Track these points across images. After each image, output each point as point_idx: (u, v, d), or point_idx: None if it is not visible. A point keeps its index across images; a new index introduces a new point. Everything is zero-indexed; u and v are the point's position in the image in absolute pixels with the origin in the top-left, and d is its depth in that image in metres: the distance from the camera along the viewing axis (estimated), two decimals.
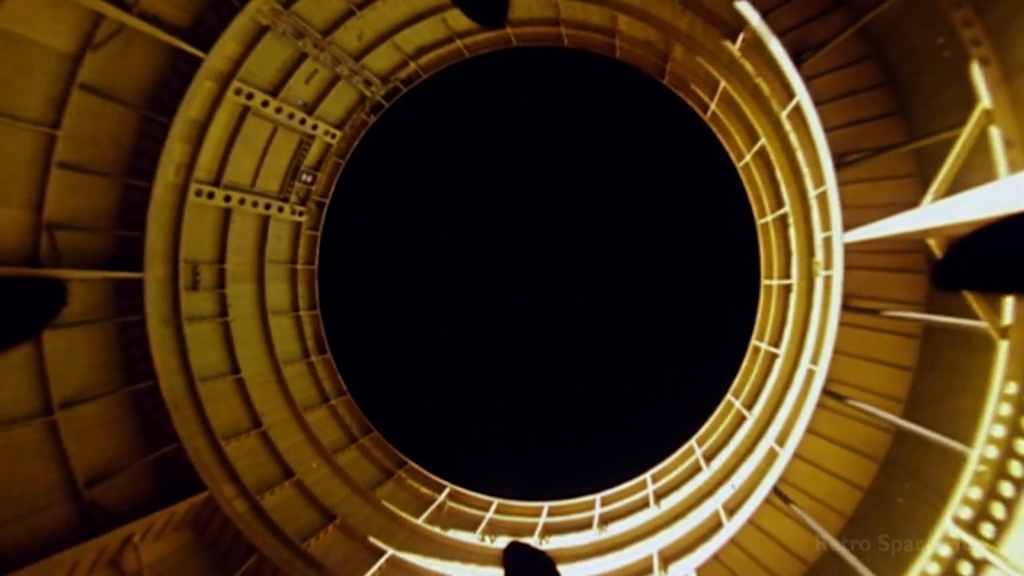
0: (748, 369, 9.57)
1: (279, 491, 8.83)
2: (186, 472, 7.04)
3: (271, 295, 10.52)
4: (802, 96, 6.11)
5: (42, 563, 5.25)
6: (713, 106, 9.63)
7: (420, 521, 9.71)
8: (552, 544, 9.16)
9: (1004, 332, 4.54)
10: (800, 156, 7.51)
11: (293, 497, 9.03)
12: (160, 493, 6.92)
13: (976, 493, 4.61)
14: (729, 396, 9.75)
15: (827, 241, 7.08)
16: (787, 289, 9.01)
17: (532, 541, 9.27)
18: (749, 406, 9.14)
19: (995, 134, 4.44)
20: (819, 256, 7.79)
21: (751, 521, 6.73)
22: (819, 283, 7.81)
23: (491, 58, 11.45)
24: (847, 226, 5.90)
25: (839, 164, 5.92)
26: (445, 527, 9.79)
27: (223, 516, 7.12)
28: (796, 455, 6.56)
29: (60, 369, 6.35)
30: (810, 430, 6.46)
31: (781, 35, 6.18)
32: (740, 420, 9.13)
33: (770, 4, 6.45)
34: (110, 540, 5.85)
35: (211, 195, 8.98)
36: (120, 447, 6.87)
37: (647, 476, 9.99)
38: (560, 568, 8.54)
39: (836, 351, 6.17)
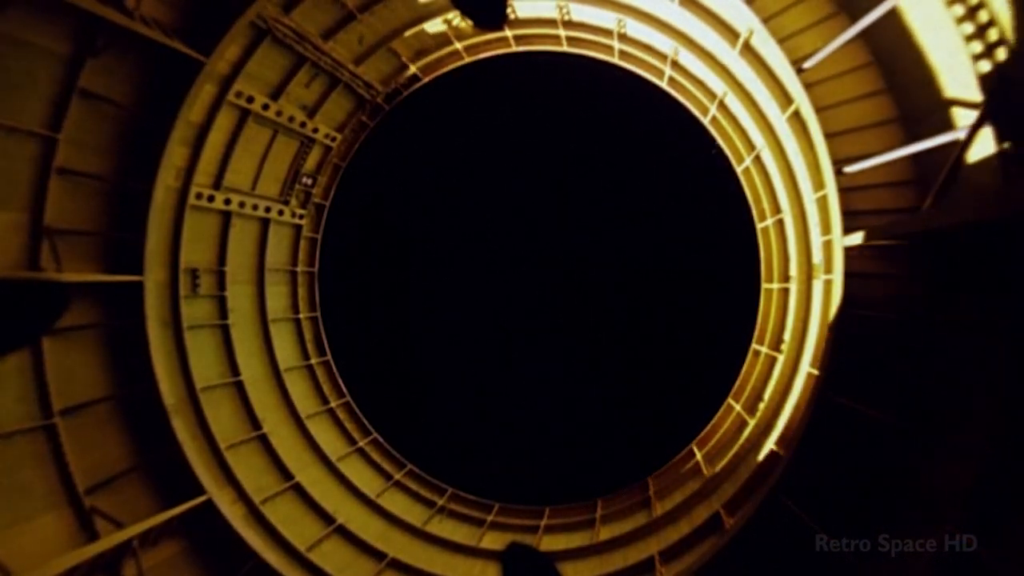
0: (748, 372, 9.60)
1: (278, 495, 8.81)
2: (185, 476, 7.00)
3: (271, 298, 10.49)
4: (802, 101, 6.16)
5: (40, 569, 5.22)
6: (713, 110, 9.68)
7: (420, 524, 9.70)
8: (552, 546, 9.15)
9: None
10: (800, 161, 7.55)
11: (292, 501, 9.00)
12: (159, 498, 6.88)
13: None
14: (729, 399, 9.78)
15: (827, 245, 7.12)
16: (787, 293, 9.05)
17: (532, 543, 9.26)
18: (749, 409, 9.17)
19: (993, 137, 4.48)
20: (818, 260, 7.83)
21: (751, 523, 6.73)
22: (819, 287, 7.86)
23: (491, 61, 11.48)
24: (847, 230, 5.94)
25: (839, 169, 5.97)
26: (445, 530, 9.78)
27: (223, 520, 7.09)
28: (796, 457, 6.58)
29: (59, 374, 6.32)
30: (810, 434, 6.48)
31: (782, 41, 6.22)
32: (741, 423, 9.16)
33: (772, 9, 6.49)
34: (109, 545, 5.81)
35: (211, 198, 8.97)
36: (119, 452, 6.83)
37: (648, 479, 10.00)
38: (560, 570, 8.54)
39: (836, 355, 6.20)
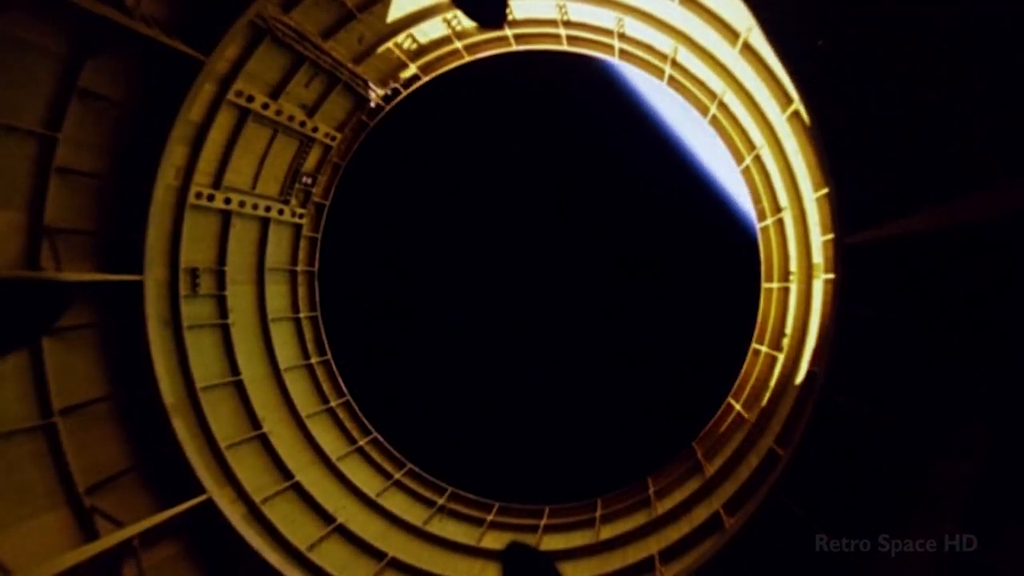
0: (748, 371, 9.60)
1: (278, 495, 8.81)
2: (185, 476, 7.00)
3: (271, 298, 10.49)
4: (802, 102, 6.14)
5: (40, 569, 5.21)
6: (713, 109, 9.68)
7: (420, 524, 9.70)
8: (552, 545, 9.15)
9: None
10: (800, 160, 7.55)
11: (292, 501, 9.01)
12: (159, 497, 6.88)
13: None
14: (729, 399, 9.78)
15: (827, 244, 7.12)
16: (787, 292, 9.05)
17: (532, 543, 9.26)
18: (749, 408, 9.17)
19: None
20: (819, 259, 7.83)
21: (751, 523, 6.73)
22: (819, 286, 7.86)
23: (491, 60, 11.47)
24: (847, 230, 5.92)
25: (838, 169, 5.95)
26: (445, 530, 9.78)
27: (222, 520, 7.09)
28: (796, 457, 6.58)
29: (59, 373, 6.31)
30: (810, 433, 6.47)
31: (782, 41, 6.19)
32: (741, 422, 9.15)
33: (772, 9, 6.47)
34: (109, 545, 5.81)
35: (211, 198, 8.96)
36: (119, 451, 6.83)
37: (648, 478, 10.00)
38: (560, 569, 8.54)
39: (836, 355, 6.19)
